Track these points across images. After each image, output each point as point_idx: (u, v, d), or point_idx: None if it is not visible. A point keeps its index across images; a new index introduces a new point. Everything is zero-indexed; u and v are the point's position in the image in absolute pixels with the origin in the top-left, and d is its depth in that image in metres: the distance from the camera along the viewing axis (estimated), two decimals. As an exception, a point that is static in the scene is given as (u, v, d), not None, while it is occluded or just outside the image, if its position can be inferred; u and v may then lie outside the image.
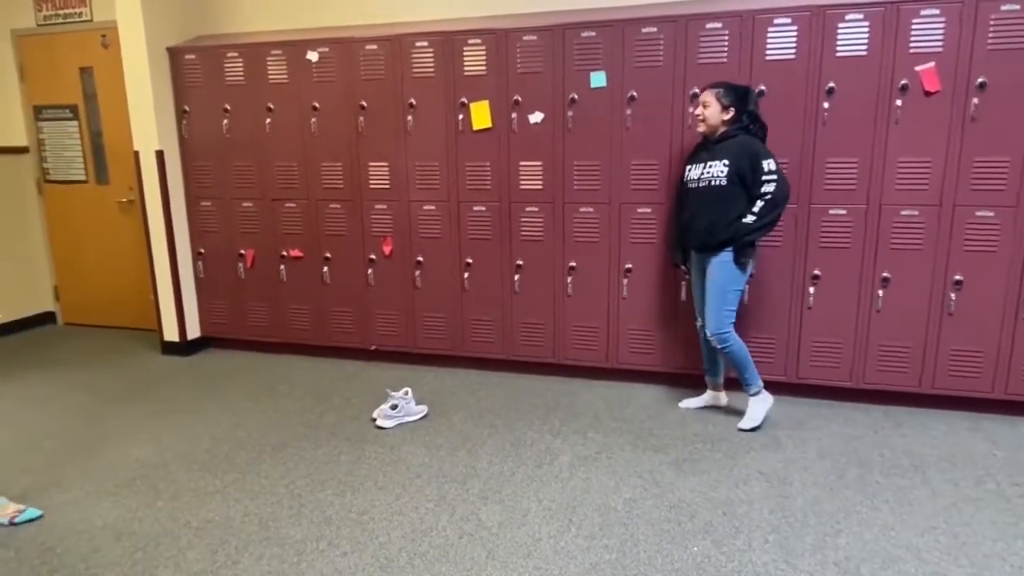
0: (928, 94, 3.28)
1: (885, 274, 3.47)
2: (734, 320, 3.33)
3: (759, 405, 3.41)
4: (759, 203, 3.15)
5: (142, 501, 2.88)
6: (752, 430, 3.36)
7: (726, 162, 3.18)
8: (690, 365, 3.81)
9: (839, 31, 3.33)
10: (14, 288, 5.31)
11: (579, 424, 3.51)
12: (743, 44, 3.45)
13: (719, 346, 3.33)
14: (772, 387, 3.72)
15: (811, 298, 3.59)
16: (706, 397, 3.64)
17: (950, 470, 2.99)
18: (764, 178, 3.13)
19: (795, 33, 3.38)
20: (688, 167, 3.37)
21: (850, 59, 3.34)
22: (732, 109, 3.21)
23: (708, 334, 3.36)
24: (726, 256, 3.24)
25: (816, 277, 3.56)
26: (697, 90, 3.45)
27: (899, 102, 3.31)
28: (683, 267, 3.57)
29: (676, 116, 3.60)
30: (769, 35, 3.42)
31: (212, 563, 2.46)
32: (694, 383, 3.77)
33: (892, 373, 3.55)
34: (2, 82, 5.17)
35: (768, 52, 3.43)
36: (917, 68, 3.27)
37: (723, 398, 3.65)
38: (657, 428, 3.44)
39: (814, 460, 3.10)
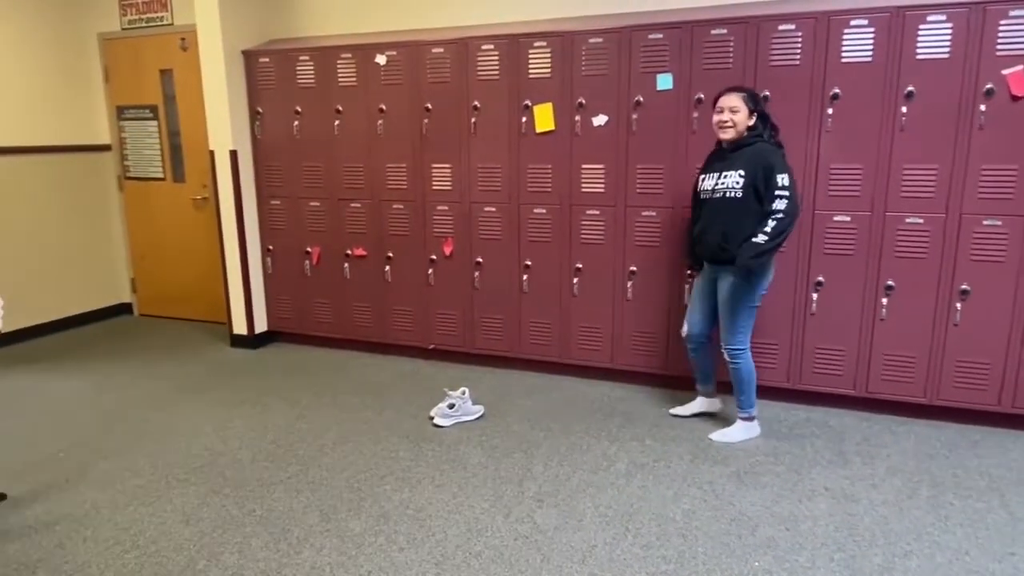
0: (1016, 99, 3.12)
1: (964, 286, 3.31)
2: (750, 337, 3.27)
3: (743, 432, 3.35)
4: (770, 222, 3.00)
5: (209, 488, 2.98)
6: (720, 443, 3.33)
7: (741, 172, 3.07)
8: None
9: (919, 32, 3.20)
10: (94, 279, 5.58)
11: (636, 431, 3.47)
12: (817, 46, 3.35)
13: (729, 360, 3.27)
14: (840, 401, 3.62)
15: (884, 309, 3.45)
16: (697, 404, 3.57)
17: (1032, 495, 2.84)
18: (776, 193, 3.00)
19: (872, 34, 3.27)
20: (701, 176, 3.27)
21: (931, 62, 3.20)
22: (755, 114, 3.11)
23: (721, 348, 3.30)
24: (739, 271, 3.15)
25: (890, 288, 3.43)
26: (767, 93, 3.38)
27: (983, 107, 3.16)
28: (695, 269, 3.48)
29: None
30: (845, 37, 3.31)
31: (275, 551, 2.53)
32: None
33: (969, 390, 3.39)
34: (88, 83, 5.43)
35: (844, 54, 3.32)
36: (1004, 71, 3.11)
37: (716, 403, 3.57)
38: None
39: (884, 478, 2.98)
